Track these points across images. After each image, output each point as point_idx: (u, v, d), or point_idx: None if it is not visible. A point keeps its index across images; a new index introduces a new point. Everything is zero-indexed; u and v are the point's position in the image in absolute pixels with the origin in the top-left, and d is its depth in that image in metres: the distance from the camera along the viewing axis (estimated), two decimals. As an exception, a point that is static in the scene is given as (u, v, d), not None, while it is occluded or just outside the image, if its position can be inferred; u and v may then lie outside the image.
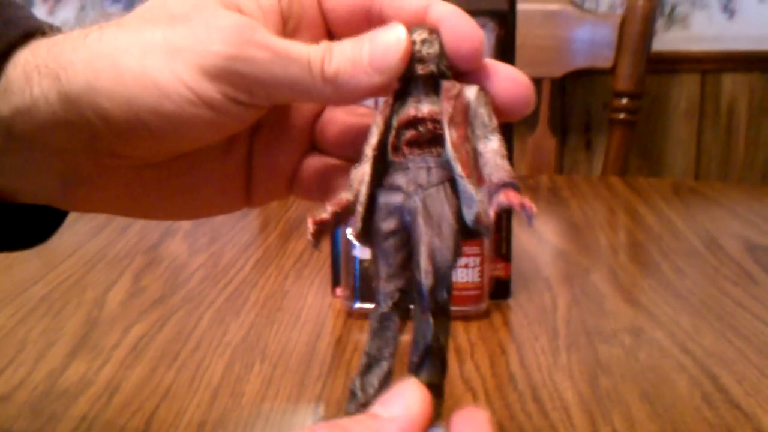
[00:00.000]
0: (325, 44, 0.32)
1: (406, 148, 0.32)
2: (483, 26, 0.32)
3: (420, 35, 0.32)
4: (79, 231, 0.86)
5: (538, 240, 0.84)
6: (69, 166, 0.34)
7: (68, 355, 0.57)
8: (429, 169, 0.31)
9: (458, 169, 0.30)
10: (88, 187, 0.36)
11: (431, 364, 0.30)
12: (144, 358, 0.56)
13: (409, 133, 0.32)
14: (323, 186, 0.38)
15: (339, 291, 0.66)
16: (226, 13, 0.32)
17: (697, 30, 1.66)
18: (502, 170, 0.30)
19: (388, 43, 0.32)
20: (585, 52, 1.44)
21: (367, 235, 0.32)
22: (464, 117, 0.31)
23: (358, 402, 0.30)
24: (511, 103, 0.32)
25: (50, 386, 0.52)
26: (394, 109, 0.32)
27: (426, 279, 0.29)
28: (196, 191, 0.38)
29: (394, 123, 0.32)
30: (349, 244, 0.63)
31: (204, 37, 0.31)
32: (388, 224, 0.31)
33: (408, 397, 0.28)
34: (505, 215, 0.66)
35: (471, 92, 0.32)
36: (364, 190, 0.31)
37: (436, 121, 0.31)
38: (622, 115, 1.41)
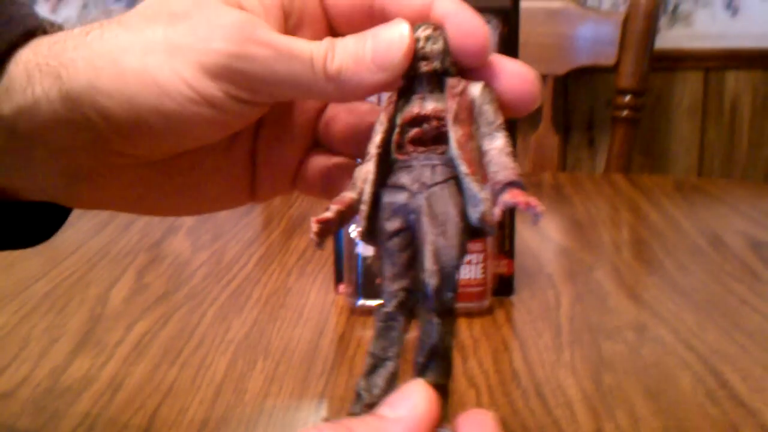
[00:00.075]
0: (327, 41, 0.32)
1: (411, 146, 0.31)
2: (486, 23, 0.32)
3: (424, 32, 0.31)
4: (81, 228, 0.86)
5: (542, 237, 0.84)
6: (72, 164, 0.34)
7: (71, 352, 0.57)
8: (433, 167, 0.30)
9: (463, 167, 0.30)
10: (91, 185, 0.36)
11: (437, 365, 0.30)
12: (147, 355, 0.56)
13: (414, 131, 0.31)
14: (326, 182, 0.38)
15: (342, 288, 0.66)
16: (228, 9, 0.32)
17: (700, 27, 1.66)
18: (507, 168, 0.30)
19: (391, 40, 0.31)
20: (588, 50, 1.44)
21: (371, 234, 0.31)
22: (469, 114, 0.31)
23: (363, 403, 0.30)
24: (518, 99, 0.32)
25: (53, 383, 0.52)
26: (398, 107, 0.32)
27: (431, 279, 0.29)
28: (199, 187, 0.38)
29: (398, 121, 0.32)
30: (352, 241, 0.63)
31: (205, 34, 0.31)
32: (392, 223, 0.30)
33: (414, 397, 0.28)
34: (508, 212, 0.66)
35: (476, 89, 0.31)
36: (368, 189, 0.31)
37: (440, 118, 0.31)
38: (625, 113, 1.41)
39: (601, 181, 1.11)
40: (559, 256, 0.79)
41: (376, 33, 0.32)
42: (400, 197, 0.30)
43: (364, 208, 0.31)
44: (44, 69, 0.32)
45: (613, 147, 1.43)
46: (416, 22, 0.32)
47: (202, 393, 0.51)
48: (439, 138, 0.31)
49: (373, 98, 0.36)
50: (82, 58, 0.32)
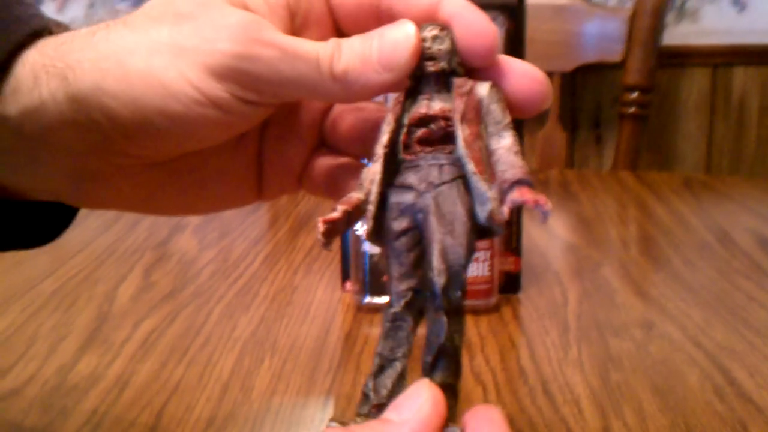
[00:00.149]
0: (333, 41, 0.32)
1: (418, 146, 0.31)
2: (493, 20, 0.32)
3: (430, 32, 0.31)
4: (89, 227, 0.86)
5: (549, 234, 0.84)
6: (78, 165, 0.34)
7: (78, 350, 0.57)
8: (441, 166, 0.30)
9: (470, 166, 0.29)
10: (98, 185, 0.36)
11: (445, 365, 0.29)
12: (154, 352, 0.56)
13: (421, 131, 0.31)
14: (332, 182, 0.38)
15: (349, 285, 0.66)
16: (233, 10, 0.31)
17: (707, 23, 1.65)
18: (515, 167, 0.29)
19: (398, 40, 0.31)
20: (595, 47, 1.43)
21: (378, 234, 0.31)
22: (476, 114, 0.31)
23: (371, 404, 0.30)
24: (527, 100, 0.32)
25: (60, 381, 0.52)
26: (405, 107, 0.32)
27: (438, 278, 0.29)
28: (206, 187, 0.38)
29: (405, 121, 0.32)
30: (359, 239, 0.63)
31: (210, 35, 0.31)
32: (399, 223, 0.30)
33: (419, 399, 0.27)
34: (515, 210, 0.66)
35: (483, 89, 0.31)
36: (375, 189, 0.31)
37: (447, 118, 0.31)
38: (632, 110, 1.41)
39: (609, 178, 1.10)
40: (567, 253, 0.79)
41: (382, 33, 0.32)
42: (408, 197, 0.30)
43: (370, 208, 0.31)
44: (50, 70, 0.32)
45: (621, 144, 1.43)
46: (423, 22, 0.32)
47: (209, 391, 0.51)
48: (447, 138, 0.31)
49: (380, 97, 0.36)
50: (88, 59, 0.32)
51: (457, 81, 0.31)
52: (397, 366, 0.30)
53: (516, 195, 0.29)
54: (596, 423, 0.47)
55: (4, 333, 0.60)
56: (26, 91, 0.32)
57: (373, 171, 0.31)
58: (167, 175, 0.36)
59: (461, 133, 0.30)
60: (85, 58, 0.32)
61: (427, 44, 0.31)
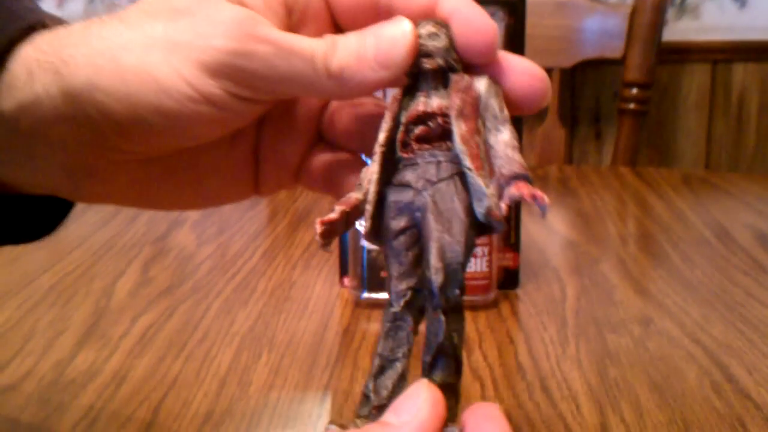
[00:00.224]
0: (329, 38, 0.32)
1: (416, 144, 0.31)
2: (492, 15, 0.32)
3: (426, 29, 0.31)
4: (87, 222, 0.86)
5: (547, 230, 0.84)
6: (74, 160, 0.34)
7: (76, 345, 0.57)
8: (438, 163, 0.30)
9: (467, 162, 0.29)
10: (93, 180, 0.35)
11: (445, 364, 0.29)
12: (151, 348, 0.56)
13: (419, 129, 0.31)
14: (330, 178, 0.37)
15: (347, 281, 0.66)
16: (228, 5, 0.31)
17: (708, 20, 1.65)
18: (513, 162, 0.29)
19: (394, 38, 0.31)
20: (595, 42, 1.43)
21: (377, 233, 0.31)
22: (474, 109, 0.30)
23: (372, 405, 0.29)
24: (526, 97, 0.32)
25: (58, 376, 0.52)
26: (402, 105, 0.32)
27: (436, 276, 0.28)
28: (203, 182, 0.38)
29: (403, 119, 0.31)
30: (358, 235, 0.63)
31: (205, 31, 0.31)
32: (398, 222, 0.30)
33: (418, 401, 0.27)
34: (513, 205, 0.66)
35: (481, 84, 0.31)
36: (372, 189, 0.31)
37: (445, 115, 0.31)
38: (632, 106, 1.41)
39: (608, 174, 1.10)
40: (565, 249, 0.79)
41: (378, 30, 0.31)
42: (406, 195, 0.30)
43: (368, 207, 0.31)
44: (44, 65, 0.32)
45: (620, 140, 1.43)
46: (422, 18, 0.32)
47: (207, 385, 0.51)
48: (445, 135, 0.31)
49: (378, 93, 0.36)
50: (82, 54, 0.31)
51: (455, 77, 0.31)
52: (398, 366, 0.30)
53: (513, 190, 0.28)
54: (594, 419, 0.47)
55: (1, 328, 0.60)
56: (21, 86, 0.32)
57: (371, 170, 0.31)
58: (163, 171, 0.36)
59: (457, 129, 0.30)
60: (79, 54, 0.31)
61: (423, 41, 0.31)
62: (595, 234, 0.83)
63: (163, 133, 0.32)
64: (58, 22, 0.34)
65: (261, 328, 0.60)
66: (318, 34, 0.32)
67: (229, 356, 0.55)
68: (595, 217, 0.89)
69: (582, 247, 0.79)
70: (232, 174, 0.38)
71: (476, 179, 0.29)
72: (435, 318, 0.29)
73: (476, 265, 0.62)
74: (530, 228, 0.81)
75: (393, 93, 0.32)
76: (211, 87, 0.31)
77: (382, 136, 0.31)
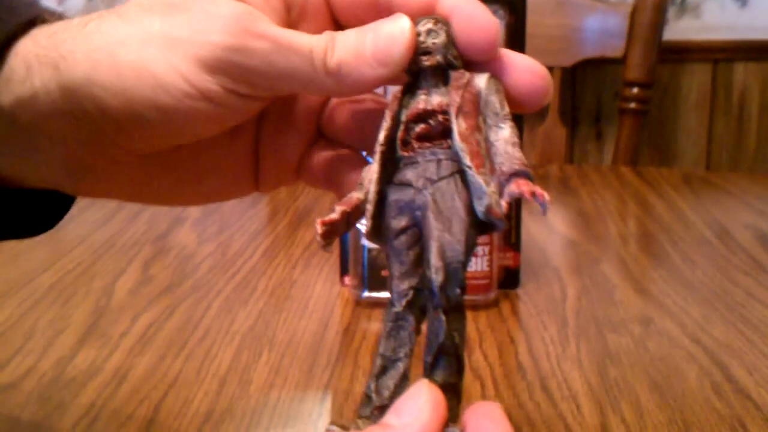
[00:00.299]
0: (328, 35, 0.32)
1: (416, 142, 0.31)
2: (493, 14, 0.32)
3: (425, 26, 0.31)
4: (87, 220, 0.86)
5: (548, 229, 0.84)
6: (73, 155, 0.34)
7: (76, 344, 0.57)
8: (439, 161, 0.30)
9: (466, 160, 0.29)
10: (94, 175, 0.35)
11: (446, 364, 0.29)
12: (152, 346, 0.56)
13: (420, 127, 0.31)
14: (330, 174, 0.37)
15: (347, 280, 0.66)
16: (226, 1, 0.31)
17: (709, 19, 1.65)
18: (513, 159, 0.29)
19: (392, 35, 0.31)
20: (596, 41, 1.43)
21: (378, 233, 0.31)
22: (475, 106, 0.30)
23: (373, 405, 0.29)
24: (528, 95, 0.32)
25: (58, 374, 0.52)
26: (402, 103, 0.32)
27: (436, 275, 0.28)
28: (203, 178, 0.38)
29: (404, 117, 0.31)
30: (358, 234, 0.63)
31: (202, 26, 0.30)
32: (398, 221, 0.30)
33: (419, 402, 0.27)
34: (514, 204, 0.66)
35: (481, 80, 0.31)
36: (372, 188, 0.30)
37: (446, 112, 0.30)
38: (632, 105, 1.41)
39: (608, 174, 1.10)
40: (566, 248, 0.79)
41: (376, 27, 0.31)
42: (406, 194, 0.30)
43: (369, 207, 0.31)
44: (43, 60, 0.32)
45: (621, 139, 1.43)
46: (422, 15, 0.31)
47: (207, 384, 0.51)
48: (446, 133, 0.30)
49: (379, 90, 0.36)
50: (80, 50, 0.31)
51: (454, 74, 0.31)
52: (400, 366, 0.29)
53: (513, 187, 0.28)
54: (594, 419, 0.47)
55: (2, 326, 0.60)
56: (19, 80, 0.32)
57: (372, 170, 0.31)
58: (162, 167, 0.36)
59: (457, 127, 0.30)
60: (77, 49, 0.31)
61: (422, 38, 0.31)
62: (596, 234, 0.83)
63: (161, 129, 0.32)
64: (57, 16, 0.34)
65: (261, 327, 0.60)
66: (317, 30, 0.32)
67: (230, 355, 0.55)
68: (596, 216, 0.89)
69: (582, 246, 0.79)
70: (232, 170, 0.38)
71: (476, 177, 0.29)
72: (436, 317, 0.29)
73: (477, 265, 0.62)
74: (531, 227, 0.81)
75: (393, 91, 0.32)
76: (208, 83, 0.31)
77: (382, 135, 0.31)
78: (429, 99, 0.31)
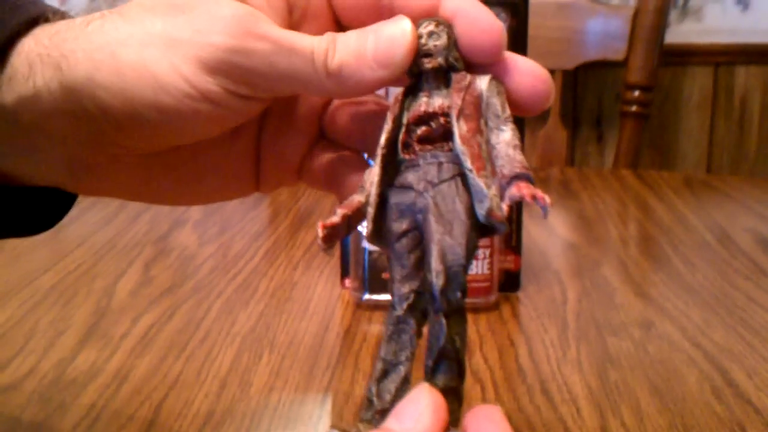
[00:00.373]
0: (329, 36, 0.32)
1: (418, 144, 0.31)
2: (496, 16, 0.32)
3: (426, 28, 0.31)
4: (88, 221, 0.86)
5: (549, 232, 0.84)
6: (74, 154, 0.34)
7: (77, 345, 0.57)
8: (440, 164, 0.30)
9: (467, 163, 0.29)
10: (95, 174, 0.35)
11: (447, 368, 0.29)
12: (153, 347, 0.56)
13: (422, 130, 0.31)
14: (331, 175, 0.37)
15: (348, 282, 0.66)
16: (228, 2, 0.31)
17: (710, 22, 1.65)
18: (513, 162, 0.29)
19: (393, 37, 0.31)
20: (597, 44, 1.43)
21: (379, 236, 0.31)
22: (476, 109, 0.30)
23: (375, 409, 0.29)
24: (530, 98, 0.31)
25: (59, 375, 0.52)
26: (404, 106, 0.32)
27: (437, 279, 0.28)
28: (203, 177, 0.38)
29: (405, 120, 0.31)
30: (359, 236, 0.63)
31: (204, 27, 0.31)
32: (399, 224, 0.30)
33: (419, 406, 0.27)
34: (515, 207, 0.66)
35: (483, 82, 0.31)
36: (373, 191, 0.30)
37: (447, 115, 0.30)
38: (634, 108, 1.41)
39: (609, 177, 1.10)
40: (566, 251, 0.79)
41: (378, 29, 0.31)
42: (407, 197, 0.30)
43: (370, 210, 0.30)
44: (45, 59, 0.32)
45: (622, 142, 1.43)
46: (424, 17, 0.31)
47: (208, 386, 0.51)
48: (447, 135, 0.30)
49: (381, 91, 0.36)
50: (82, 50, 0.31)
51: (456, 76, 0.31)
52: (401, 370, 0.29)
53: (514, 190, 0.28)
54: (594, 422, 0.47)
55: (3, 327, 0.60)
56: (21, 79, 0.32)
57: (373, 173, 0.31)
58: (163, 166, 0.36)
59: (458, 129, 0.30)
60: (78, 48, 0.31)
61: (423, 40, 0.31)
62: (597, 237, 0.83)
63: (161, 129, 0.32)
64: (60, 15, 0.34)
65: (262, 329, 0.60)
66: (320, 31, 0.32)
67: (230, 357, 0.55)
68: (597, 219, 0.89)
69: (583, 249, 0.79)
70: (233, 170, 0.38)
71: (477, 181, 0.29)
72: (436, 321, 0.29)
73: (477, 268, 0.62)
74: (531, 230, 0.81)
75: (395, 93, 0.32)
76: (209, 84, 0.31)
77: (383, 138, 0.31)
78: (430, 101, 0.31)
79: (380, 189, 0.31)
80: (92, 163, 0.35)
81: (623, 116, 1.43)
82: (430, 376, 0.29)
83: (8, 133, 0.33)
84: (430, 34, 0.31)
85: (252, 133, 0.38)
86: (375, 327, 0.60)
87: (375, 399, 0.29)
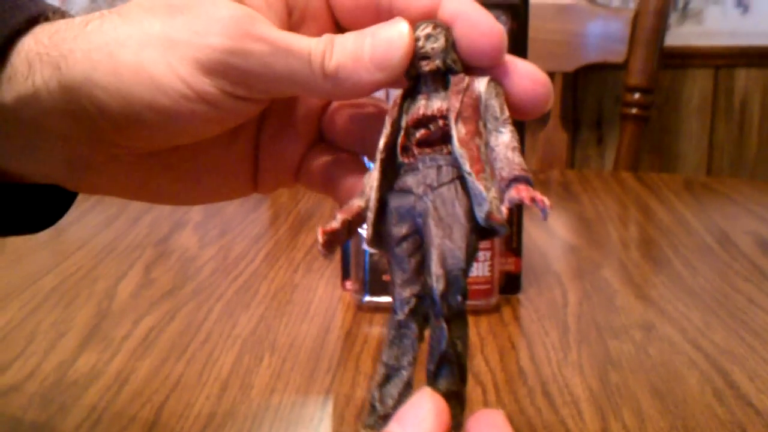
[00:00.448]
0: (327, 38, 0.32)
1: (417, 148, 0.31)
2: (496, 19, 0.32)
3: (424, 30, 0.31)
4: (89, 223, 0.86)
5: (549, 235, 0.84)
6: (73, 152, 0.34)
7: (78, 346, 0.57)
8: (439, 168, 0.30)
9: (466, 166, 0.29)
10: (94, 173, 0.35)
11: (448, 372, 0.28)
12: (154, 349, 0.56)
13: (420, 133, 0.31)
14: (329, 178, 0.37)
15: (349, 284, 0.66)
16: (226, 3, 0.31)
17: (710, 25, 1.65)
18: (512, 164, 0.29)
19: (390, 39, 0.31)
20: (597, 47, 1.43)
21: (379, 240, 0.31)
22: (475, 111, 0.30)
23: (378, 414, 0.29)
24: (529, 101, 0.31)
25: (60, 377, 0.52)
26: (403, 109, 0.32)
27: (437, 283, 0.28)
28: (202, 177, 0.38)
29: (403, 123, 0.31)
30: (359, 238, 0.63)
31: (201, 29, 0.31)
32: (399, 228, 0.30)
33: (421, 411, 0.27)
34: (515, 209, 0.66)
35: (481, 84, 0.31)
36: (373, 196, 0.30)
37: (446, 117, 0.30)
38: (634, 110, 1.41)
39: (610, 179, 1.10)
40: (567, 253, 0.79)
41: (375, 31, 0.31)
42: (407, 201, 0.30)
43: (369, 214, 0.30)
44: (44, 58, 0.32)
45: (622, 145, 1.43)
46: (423, 20, 0.31)
47: (209, 388, 0.51)
48: (446, 138, 0.30)
49: (381, 93, 0.36)
50: (81, 49, 0.31)
51: (454, 79, 0.31)
52: (403, 374, 0.29)
53: (513, 193, 0.28)
54: (595, 425, 0.47)
55: (4, 329, 0.60)
56: (21, 78, 0.32)
57: (372, 177, 0.31)
58: (162, 165, 0.36)
59: (456, 132, 0.30)
60: (77, 48, 0.31)
61: (421, 43, 0.31)
62: (597, 239, 0.83)
63: (158, 129, 0.32)
64: (60, 14, 0.34)
65: (263, 331, 0.60)
66: (319, 33, 0.32)
67: (231, 359, 0.55)
68: (597, 221, 0.89)
69: (584, 251, 0.79)
70: (231, 171, 0.38)
71: (476, 184, 0.29)
72: (437, 326, 0.28)
73: (478, 270, 0.62)
74: (532, 232, 0.81)
75: (394, 96, 0.32)
76: (206, 85, 0.31)
77: (381, 142, 0.31)
78: (429, 104, 0.31)
79: (380, 193, 0.31)
80: (91, 161, 0.35)
81: (623, 119, 1.43)
82: (432, 381, 0.29)
83: (8, 131, 0.33)
84: (428, 36, 0.31)
85: (251, 134, 0.38)
86: (376, 329, 0.60)
87: (378, 404, 0.29)
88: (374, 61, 0.31)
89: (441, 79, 0.31)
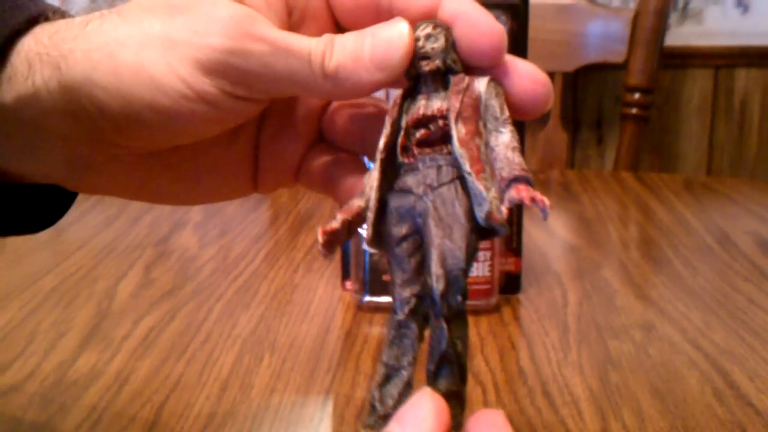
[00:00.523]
0: (327, 38, 0.32)
1: (417, 148, 0.31)
2: (496, 19, 0.32)
3: (423, 30, 0.31)
4: (89, 223, 0.86)
5: (549, 235, 0.84)
6: (73, 152, 0.34)
7: (78, 346, 0.57)
8: (439, 168, 0.30)
9: (466, 166, 0.29)
10: (94, 172, 0.35)
11: (448, 372, 0.28)
12: (154, 349, 0.56)
13: (420, 133, 0.31)
14: (329, 178, 0.37)
15: (349, 284, 0.66)
16: (226, 3, 0.31)
17: (710, 25, 1.65)
18: (512, 164, 0.29)
19: (390, 39, 0.31)
20: (597, 47, 1.43)
21: (379, 240, 0.31)
22: (475, 111, 0.30)
23: (378, 415, 0.29)
24: (529, 101, 0.31)
25: (60, 377, 0.52)
26: (403, 109, 0.32)
27: (437, 283, 0.28)
28: (202, 177, 0.38)
29: (403, 123, 0.31)
30: (359, 238, 0.63)
31: (201, 29, 0.31)
32: (399, 229, 0.30)
33: (421, 411, 0.27)
34: (515, 209, 0.66)
35: (481, 84, 0.31)
36: (373, 196, 0.30)
37: (446, 117, 0.30)
38: (634, 110, 1.41)
39: (610, 179, 1.10)
40: (567, 253, 0.79)
41: (375, 31, 0.31)
42: (407, 201, 0.30)
43: (369, 215, 0.30)
44: (44, 58, 0.32)
45: (622, 145, 1.43)
46: (423, 20, 0.31)
47: (209, 388, 0.51)
48: (446, 138, 0.30)
49: (381, 93, 0.36)
50: (81, 49, 0.31)
51: (454, 79, 0.31)
52: (404, 375, 0.29)
53: (513, 193, 0.28)
54: (595, 425, 0.47)
55: (4, 329, 0.60)
56: (21, 78, 0.32)
57: (372, 177, 0.31)
58: (162, 165, 0.36)
59: (456, 132, 0.30)
60: (77, 48, 0.31)
61: (420, 43, 0.31)
62: (597, 239, 0.83)
63: (158, 129, 0.32)
64: (60, 14, 0.34)
65: (263, 331, 0.60)
66: (318, 33, 0.32)
67: (231, 359, 0.55)
68: (597, 221, 0.89)
69: (584, 251, 0.79)
70: (231, 171, 0.38)
71: (476, 184, 0.29)
72: (437, 326, 0.28)
73: (478, 270, 0.62)
74: (532, 232, 0.81)
75: (394, 96, 0.32)
76: (206, 85, 0.31)
77: (381, 142, 0.31)
78: (428, 104, 0.31)
79: (380, 193, 0.31)
80: (91, 161, 0.35)
81: (623, 119, 1.43)
82: (432, 381, 0.29)
83: (8, 131, 0.33)
84: (428, 36, 0.31)
85: (251, 134, 0.38)
86: (376, 329, 0.60)
87: (378, 404, 0.29)
88: (374, 61, 0.31)
89: (441, 79, 0.31)
